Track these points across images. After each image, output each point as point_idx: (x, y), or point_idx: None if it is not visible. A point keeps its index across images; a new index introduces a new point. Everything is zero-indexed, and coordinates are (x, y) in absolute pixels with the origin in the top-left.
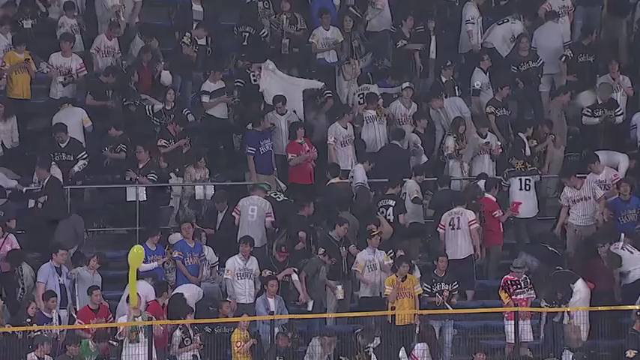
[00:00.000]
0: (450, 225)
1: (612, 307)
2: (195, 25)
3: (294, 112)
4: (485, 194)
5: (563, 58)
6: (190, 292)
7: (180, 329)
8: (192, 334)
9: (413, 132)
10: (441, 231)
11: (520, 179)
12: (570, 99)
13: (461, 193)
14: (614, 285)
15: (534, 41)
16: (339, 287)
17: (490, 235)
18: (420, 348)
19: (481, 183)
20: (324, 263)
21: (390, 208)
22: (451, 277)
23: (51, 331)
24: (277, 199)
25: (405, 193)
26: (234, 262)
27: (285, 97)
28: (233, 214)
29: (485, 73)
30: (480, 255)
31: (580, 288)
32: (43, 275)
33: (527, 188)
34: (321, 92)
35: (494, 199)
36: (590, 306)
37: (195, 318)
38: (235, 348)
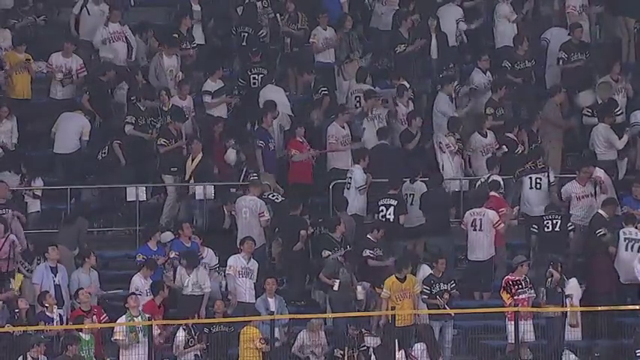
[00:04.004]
0: (471, 226)
1: (612, 307)
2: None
3: (289, 116)
4: (492, 193)
5: (560, 61)
6: None
7: (184, 329)
8: (194, 334)
9: (406, 131)
10: (464, 228)
11: (530, 178)
12: (565, 99)
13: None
14: (613, 284)
15: (548, 35)
16: (359, 287)
17: (496, 236)
18: (418, 348)
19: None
20: (342, 264)
21: (392, 208)
22: (448, 277)
23: (50, 330)
24: (275, 200)
25: (413, 194)
26: (236, 260)
27: (275, 102)
28: (232, 213)
29: (485, 73)
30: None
31: (573, 285)
32: (38, 277)
33: (538, 187)
34: (316, 90)
35: (502, 198)
36: (590, 306)
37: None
38: (259, 345)
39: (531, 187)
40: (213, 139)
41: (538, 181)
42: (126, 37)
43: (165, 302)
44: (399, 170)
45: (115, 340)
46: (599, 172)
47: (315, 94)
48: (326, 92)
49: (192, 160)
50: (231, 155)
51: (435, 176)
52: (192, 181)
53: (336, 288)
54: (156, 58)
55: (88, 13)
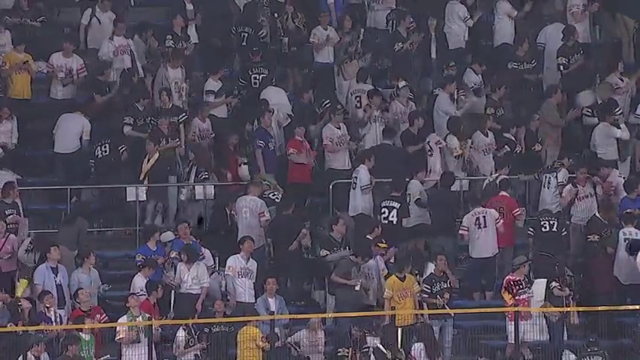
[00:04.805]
0: (475, 224)
1: (612, 307)
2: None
3: (289, 115)
4: (502, 192)
5: (561, 66)
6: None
7: (184, 329)
8: (194, 334)
9: (407, 131)
10: (464, 233)
11: (545, 176)
12: (564, 99)
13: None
14: (613, 285)
15: (543, 38)
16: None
17: (504, 236)
18: (417, 348)
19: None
20: (355, 264)
21: (394, 210)
22: (447, 276)
23: (50, 330)
24: (276, 200)
25: (409, 194)
26: (235, 260)
27: (267, 100)
28: (232, 212)
29: (477, 75)
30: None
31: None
32: (39, 277)
33: (548, 186)
34: (320, 103)
35: (513, 198)
36: (590, 306)
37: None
38: (262, 343)
39: (543, 186)
40: (228, 152)
41: (549, 180)
42: (131, 50)
43: (158, 302)
44: (401, 171)
45: (119, 339)
46: (613, 175)
47: (318, 108)
48: (329, 105)
49: (148, 161)
50: (244, 171)
51: (446, 177)
52: (146, 181)
53: (358, 288)
54: (161, 70)
55: (99, 22)
